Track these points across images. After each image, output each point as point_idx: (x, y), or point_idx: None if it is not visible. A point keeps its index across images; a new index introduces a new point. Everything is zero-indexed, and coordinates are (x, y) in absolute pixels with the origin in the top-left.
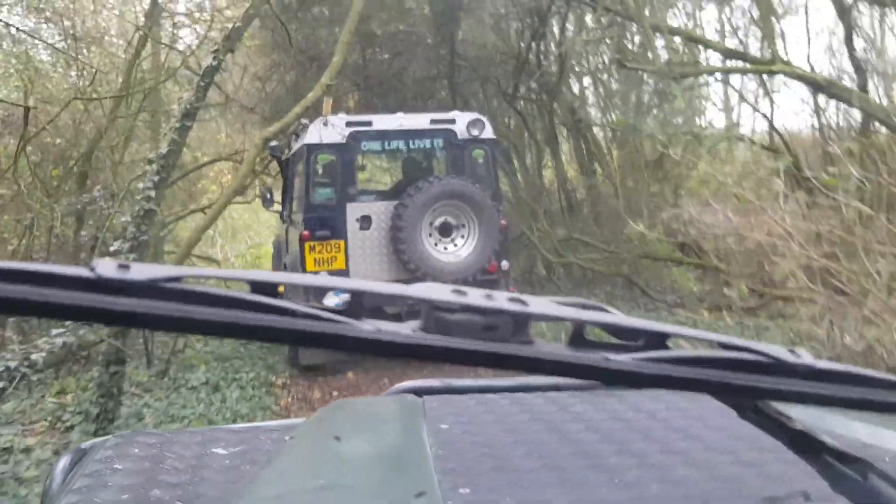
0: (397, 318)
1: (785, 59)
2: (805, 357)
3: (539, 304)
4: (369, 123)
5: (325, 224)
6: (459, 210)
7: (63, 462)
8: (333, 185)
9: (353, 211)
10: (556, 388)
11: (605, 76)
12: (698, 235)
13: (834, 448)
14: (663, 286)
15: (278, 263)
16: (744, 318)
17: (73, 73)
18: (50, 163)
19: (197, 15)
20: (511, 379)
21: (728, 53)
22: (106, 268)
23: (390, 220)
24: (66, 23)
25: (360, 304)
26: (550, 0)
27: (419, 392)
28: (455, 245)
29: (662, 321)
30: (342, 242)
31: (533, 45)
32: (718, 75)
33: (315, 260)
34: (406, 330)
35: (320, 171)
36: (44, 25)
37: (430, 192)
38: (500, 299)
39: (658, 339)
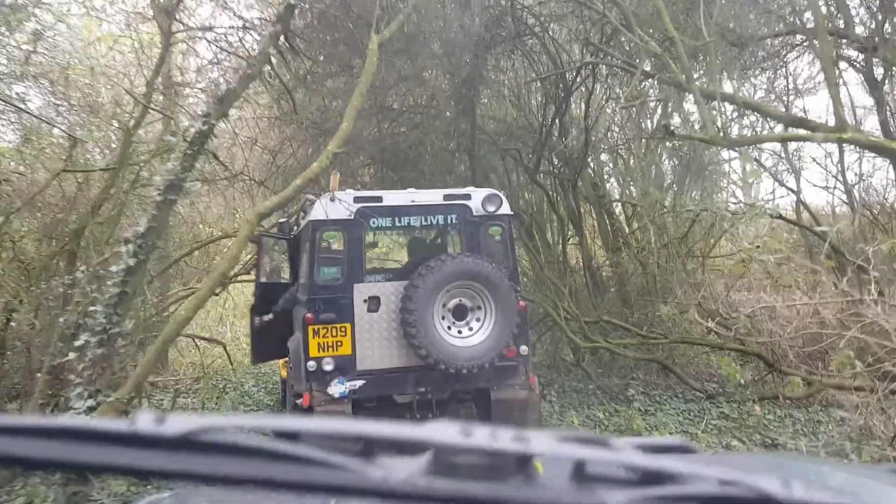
0: (409, 407)
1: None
2: (797, 491)
3: (541, 442)
4: (379, 199)
5: (330, 306)
6: (475, 291)
7: None
8: (340, 265)
9: (361, 292)
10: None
11: (624, 152)
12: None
13: None
14: (698, 371)
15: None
16: (793, 410)
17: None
18: (36, 240)
19: (201, 84)
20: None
21: (790, 121)
22: (144, 422)
23: (400, 302)
24: (59, 90)
25: (371, 449)
26: (577, 71)
27: None
28: (470, 329)
29: (705, 413)
30: (348, 326)
31: (556, 119)
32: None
33: (319, 345)
34: (413, 474)
35: (326, 249)
36: (31, 91)
37: (442, 271)
38: (504, 439)
39: (654, 478)
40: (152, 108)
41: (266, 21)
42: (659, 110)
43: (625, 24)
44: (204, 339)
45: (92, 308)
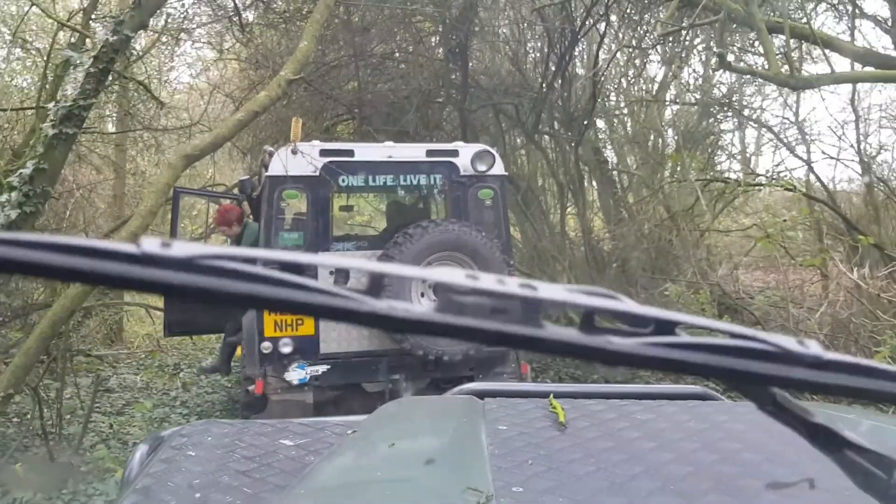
0: (380, 396)
1: None
2: (813, 347)
3: (548, 289)
4: (350, 153)
5: None
6: (460, 263)
7: (142, 449)
8: (302, 230)
9: None
10: (617, 395)
11: (626, 117)
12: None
13: (857, 444)
14: None
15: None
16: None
17: None
18: None
19: None
20: (573, 385)
21: (873, 60)
22: (150, 244)
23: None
24: None
25: (378, 285)
26: (586, 13)
27: (480, 394)
28: None
29: None
30: None
31: (559, 71)
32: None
33: (276, 323)
34: (420, 309)
35: (286, 210)
36: None
37: (423, 240)
38: (511, 284)
39: (667, 327)
40: (74, 29)
41: None
42: (660, 73)
43: None
44: (157, 308)
45: None
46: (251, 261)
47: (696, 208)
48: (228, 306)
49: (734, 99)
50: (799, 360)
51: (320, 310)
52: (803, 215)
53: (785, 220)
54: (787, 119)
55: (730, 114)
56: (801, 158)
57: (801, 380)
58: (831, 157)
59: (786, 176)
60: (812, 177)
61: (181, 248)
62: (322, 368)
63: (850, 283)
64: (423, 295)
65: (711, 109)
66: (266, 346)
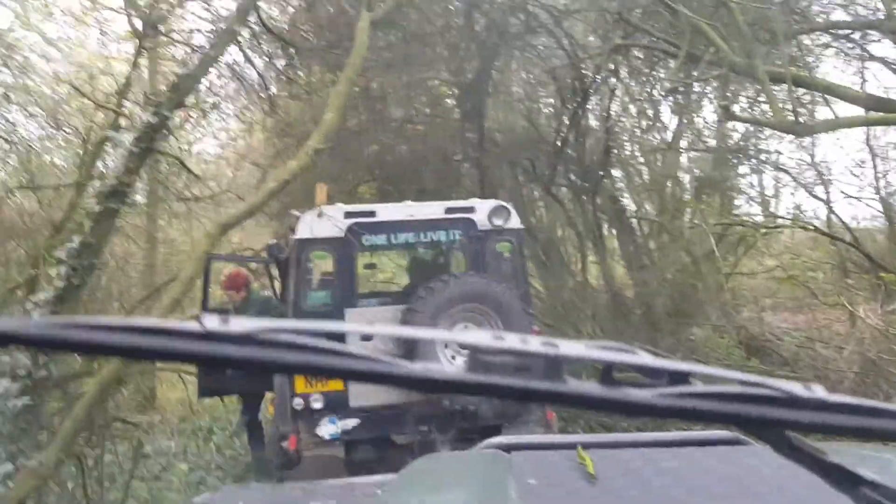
0: (409, 449)
1: None
2: (818, 391)
3: (569, 346)
4: (372, 214)
5: None
6: (482, 315)
7: None
8: (329, 288)
9: (353, 318)
10: (646, 443)
11: (641, 165)
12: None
13: (871, 481)
14: None
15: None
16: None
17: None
18: None
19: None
20: (601, 435)
21: (874, 104)
22: (212, 322)
23: None
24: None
25: (413, 349)
26: (600, 63)
27: (507, 448)
28: None
29: None
30: None
31: (572, 124)
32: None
33: (307, 379)
34: (452, 370)
35: (314, 271)
36: None
37: (445, 293)
38: (534, 343)
39: (681, 377)
40: (109, 108)
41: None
42: (674, 122)
43: None
44: (189, 373)
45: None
46: (302, 333)
47: (718, 252)
48: (283, 374)
49: (750, 143)
50: (804, 404)
51: (364, 375)
52: (825, 255)
53: (805, 261)
54: (804, 161)
55: (745, 157)
56: (820, 199)
57: (807, 422)
58: (851, 197)
59: (806, 217)
60: (833, 216)
61: (239, 325)
62: (352, 422)
63: (877, 321)
64: (446, 346)
65: (727, 155)
66: (298, 403)
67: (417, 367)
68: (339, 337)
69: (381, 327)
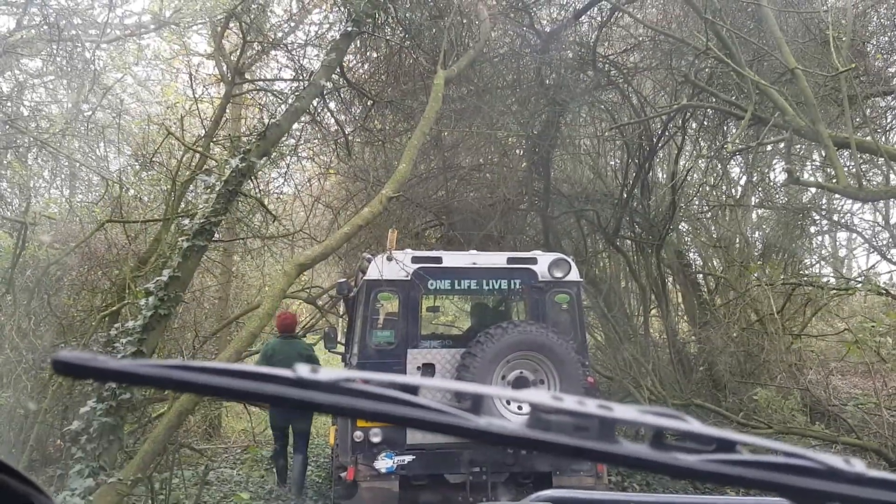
0: (461, 488)
1: None
2: (857, 466)
3: (623, 410)
4: (438, 260)
5: (381, 371)
6: (537, 363)
7: None
8: (394, 328)
9: (415, 358)
10: None
11: (708, 220)
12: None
13: None
14: None
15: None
16: None
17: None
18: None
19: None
20: (652, 495)
21: None
22: (303, 371)
23: (456, 371)
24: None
25: (479, 403)
26: (666, 122)
27: (558, 502)
28: None
29: None
30: None
31: (638, 178)
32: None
33: None
34: (513, 426)
35: (380, 311)
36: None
37: (503, 340)
38: (591, 405)
39: (728, 445)
40: (197, 151)
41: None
42: (742, 179)
43: (730, 58)
44: (254, 404)
45: None
46: (382, 385)
47: (784, 311)
48: (363, 420)
49: (821, 203)
50: (843, 477)
51: (432, 426)
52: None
53: (875, 325)
54: (877, 224)
55: (817, 217)
56: (893, 263)
57: (845, 494)
58: None
59: (879, 280)
60: None
61: (327, 374)
62: (408, 458)
63: None
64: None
65: (798, 214)
66: (358, 436)
67: (483, 422)
68: (413, 388)
69: (450, 383)
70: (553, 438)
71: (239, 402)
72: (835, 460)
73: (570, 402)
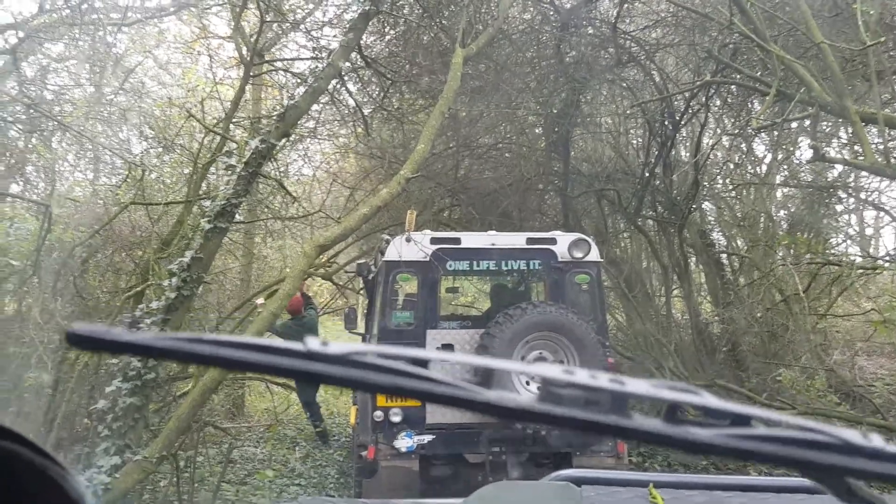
0: (481, 468)
1: None
2: (876, 440)
3: (635, 384)
4: (457, 241)
5: None
6: (557, 344)
7: None
8: (413, 309)
9: (434, 339)
10: (721, 486)
11: (732, 199)
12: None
13: None
14: None
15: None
16: None
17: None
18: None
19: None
20: (674, 475)
21: None
22: (313, 344)
23: (475, 352)
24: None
25: (489, 377)
26: (689, 98)
27: (578, 481)
28: None
29: None
30: None
31: (661, 157)
32: None
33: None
34: (523, 399)
35: (399, 292)
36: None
37: (522, 321)
38: (602, 379)
39: (743, 419)
40: (218, 133)
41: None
42: (767, 156)
43: (754, 33)
44: (277, 383)
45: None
46: (391, 357)
47: (810, 291)
48: (373, 393)
49: (848, 181)
50: (861, 452)
51: (443, 398)
52: None
53: None
54: None
55: (844, 195)
56: None
57: (863, 469)
58: None
59: None
60: None
61: (337, 347)
62: (427, 438)
63: None
64: (527, 384)
65: (824, 192)
66: (378, 415)
67: (492, 395)
68: (426, 364)
69: (460, 356)
70: (564, 412)
71: (248, 373)
72: (852, 434)
73: (582, 375)
